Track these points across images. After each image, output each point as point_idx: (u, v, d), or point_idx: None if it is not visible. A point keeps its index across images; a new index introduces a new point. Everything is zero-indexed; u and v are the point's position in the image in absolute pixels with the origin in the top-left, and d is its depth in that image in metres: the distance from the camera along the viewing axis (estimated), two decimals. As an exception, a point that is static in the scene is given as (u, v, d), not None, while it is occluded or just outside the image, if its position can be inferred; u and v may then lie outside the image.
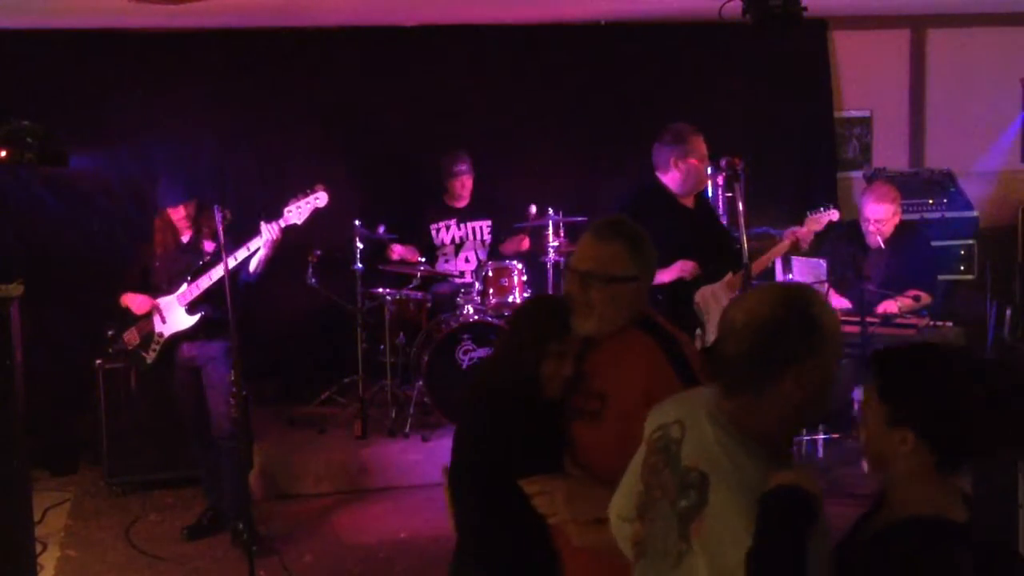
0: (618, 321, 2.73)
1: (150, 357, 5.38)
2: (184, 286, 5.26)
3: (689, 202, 5.17)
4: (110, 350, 5.55)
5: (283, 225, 5.20)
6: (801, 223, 5.50)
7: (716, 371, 2.14)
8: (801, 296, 2.10)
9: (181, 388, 5.43)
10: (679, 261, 4.90)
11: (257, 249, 5.16)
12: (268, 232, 5.14)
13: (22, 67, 6.74)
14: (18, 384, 4.49)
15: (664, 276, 4.89)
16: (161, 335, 5.34)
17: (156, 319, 5.34)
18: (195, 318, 5.28)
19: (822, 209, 5.52)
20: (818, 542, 1.95)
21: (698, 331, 4.93)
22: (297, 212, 5.25)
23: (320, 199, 5.30)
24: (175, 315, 5.31)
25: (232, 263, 5.01)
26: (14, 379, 4.46)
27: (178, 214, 5.27)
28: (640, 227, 2.80)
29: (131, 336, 5.43)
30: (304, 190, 5.29)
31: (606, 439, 2.66)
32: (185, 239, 5.35)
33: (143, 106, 7.02)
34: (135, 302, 5.33)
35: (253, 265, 5.22)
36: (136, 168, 6.90)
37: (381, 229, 6.78)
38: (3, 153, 4.92)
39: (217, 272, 5.11)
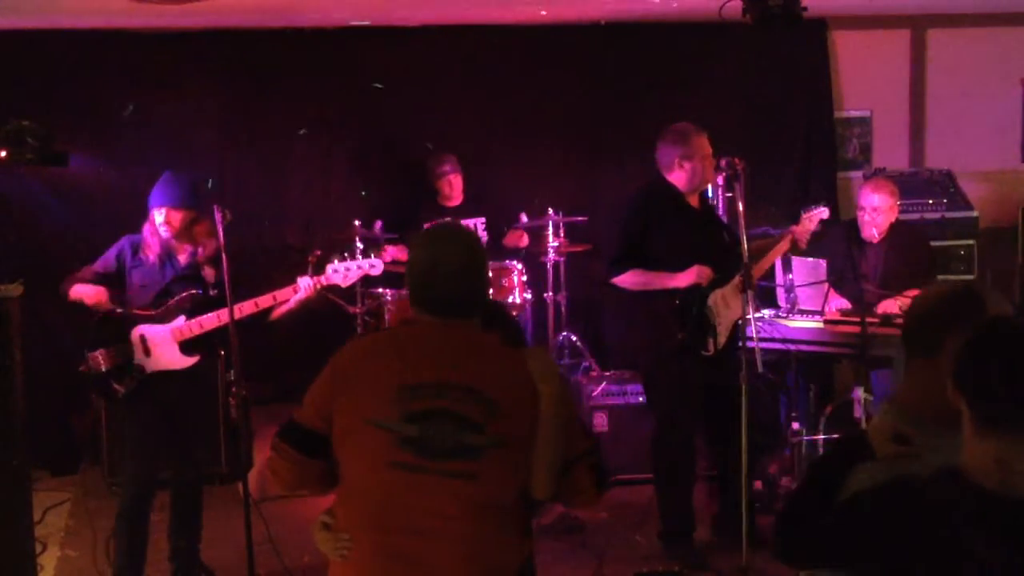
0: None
1: (122, 390, 4.60)
2: (182, 319, 4.61)
3: (694, 201, 5.20)
4: (81, 368, 4.66)
5: (324, 283, 4.67)
6: (798, 222, 5.55)
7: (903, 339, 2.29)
8: (978, 286, 2.29)
9: (151, 417, 4.68)
10: (695, 266, 4.88)
11: (270, 308, 4.55)
12: (304, 290, 4.59)
13: (22, 67, 6.74)
14: (18, 384, 4.50)
15: (680, 281, 4.88)
16: (142, 368, 4.60)
17: (138, 347, 4.59)
18: (191, 360, 4.64)
19: (813, 207, 5.58)
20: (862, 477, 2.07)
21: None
22: (345, 275, 4.72)
23: (376, 267, 4.80)
24: (165, 350, 4.59)
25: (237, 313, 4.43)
26: (14, 379, 4.47)
27: (175, 217, 4.58)
28: (423, 239, 2.74)
29: (98, 359, 4.60)
30: (344, 245, 4.74)
31: None
32: (183, 259, 4.67)
33: (143, 106, 7.02)
34: (87, 292, 4.55)
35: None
36: (136, 168, 6.89)
37: (378, 225, 6.77)
38: (3, 153, 4.90)
39: (225, 315, 4.45)
